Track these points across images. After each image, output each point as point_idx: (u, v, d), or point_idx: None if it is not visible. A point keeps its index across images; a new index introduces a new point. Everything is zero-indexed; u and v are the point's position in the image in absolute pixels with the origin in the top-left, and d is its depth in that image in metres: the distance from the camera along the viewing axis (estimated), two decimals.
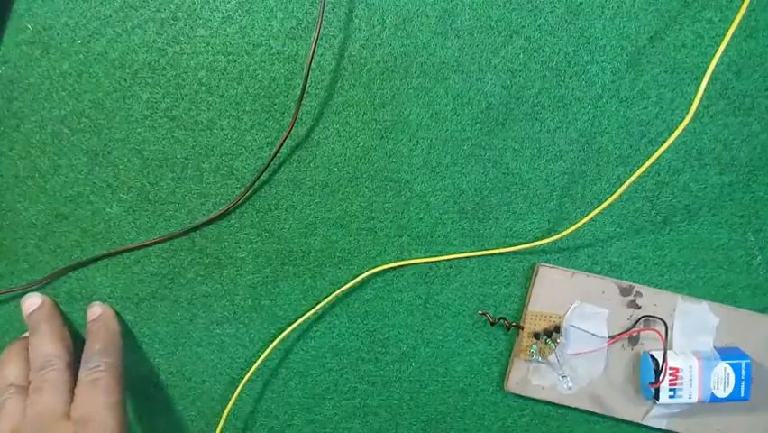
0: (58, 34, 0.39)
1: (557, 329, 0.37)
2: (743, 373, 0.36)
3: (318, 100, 0.39)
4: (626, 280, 0.38)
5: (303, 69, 0.39)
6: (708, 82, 0.37)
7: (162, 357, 0.40)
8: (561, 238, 0.38)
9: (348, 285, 0.38)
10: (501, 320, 0.38)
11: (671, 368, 0.36)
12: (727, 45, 0.37)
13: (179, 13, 0.39)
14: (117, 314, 0.39)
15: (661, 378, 0.35)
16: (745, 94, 0.37)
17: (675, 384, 0.36)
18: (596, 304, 0.38)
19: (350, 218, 0.39)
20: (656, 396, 0.36)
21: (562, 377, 0.38)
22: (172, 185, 0.39)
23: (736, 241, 0.38)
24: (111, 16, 0.39)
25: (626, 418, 0.38)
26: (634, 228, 0.38)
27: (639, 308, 0.38)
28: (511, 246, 0.38)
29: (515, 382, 0.38)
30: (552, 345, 0.37)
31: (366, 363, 0.39)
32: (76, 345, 0.38)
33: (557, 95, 0.38)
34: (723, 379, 0.36)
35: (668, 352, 0.36)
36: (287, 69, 0.39)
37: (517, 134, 0.38)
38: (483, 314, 0.38)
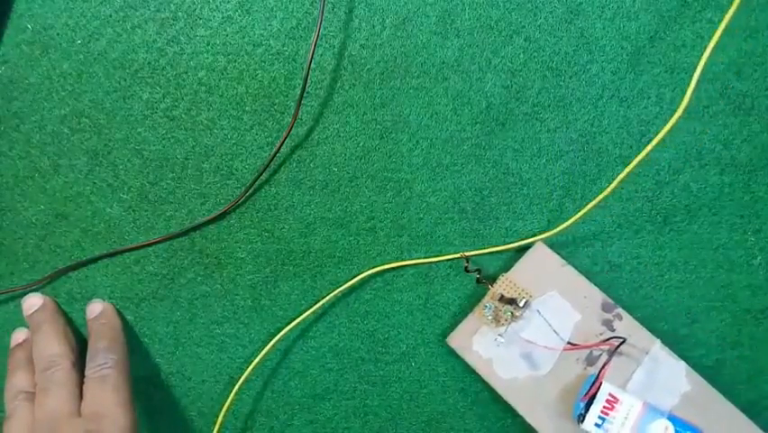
0: (58, 34, 0.39)
1: (522, 305, 0.36)
2: None
3: (318, 100, 0.39)
4: (626, 279, 0.38)
5: (303, 69, 0.39)
6: (709, 82, 0.37)
7: (162, 357, 0.40)
8: (557, 233, 0.38)
9: (348, 284, 0.38)
10: (477, 271, 0.37)
11: (611, 395, 0.33)
12: (727, 45, 0.37)
13: (179, 13, 0.39)
14: (118, 310, 0.40)
15: (593, 387, 0.33)
16: (745, 94, 0.37)
17: (607, 414, 0.33)
18: (572, 304, 0.36)
19: (350, 218, 0.39)
20: (582, 418, 0.33)
21: (495, 339, 0.36)
22: (172, 185, 0.39)
23: (736, 241, 0.37)
24: (111, 16, 0.39)
25: None
26: (634, 228, 0.38)
27: (613, 330, 0.35)
28: (509, 243, 0.38)
29: (457, 338, 0.37)
30: (508, 314, 0.36)
31: (366, 363, 0.39)
32: (77, 344, 0.38)
33: (557, 95, 0.38)
34: None
35: (618, 389, 0.34)
36: (287, 68, 0.39)
37: (517, 134, 0.38)
38: (464, 257, 0.37)
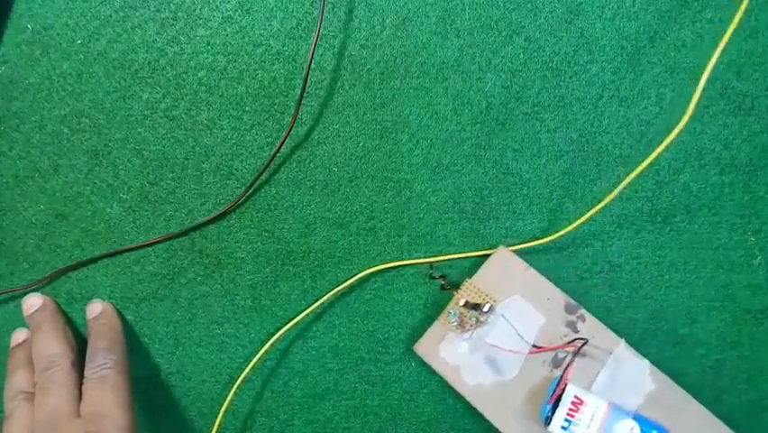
0: (58, 34, 0.39)
1: (487, 310, 0.36)
2: None
3: (318, 100, 0.39)
4: (626, 279, 0.38)
5: (303, 69, 0.39)
6: (709, 82, 0.37)
7: (162, 357, 0.40)
8: (559, 238, 0.38)
9: (346, 284, 0.38)
10: (441, 278, 0.37)
11: (576, 397, 0.33)
12: (728, 45, 0.37)
13: (179, 13, 0.39)
14: (117, 310, 0.40)
15: (558, 389, 0.33)
16: (745, 94, 0.37)
17: (573, 416, 0.33)
18: (536, 307, 0.36)
19: (350, 218, 0.39)
20: (549, 421, 0.33)
21: (460, 345, 0.36)
22: (172, 185, 0.39)
23: (736, 241, 0.37)
24: (111, 16, 0.39)
25: None
26: (634, 228, 0.38)
27: (577, 331, 0.36)
28: (510, 246, 0.38)
29: (425, 345, 0.37)
30: (473, 320, 0.36)
31: (366, 363, 0.39)
32: (77, 344, 0.38)
33: (557, 95, 0.38)
34: None
35: (583, 390, 0.34)
36: (287, 69, 0.39)
37: (517, 134, 0.38)
38: (430, 265, 0.37)
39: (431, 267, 0.37)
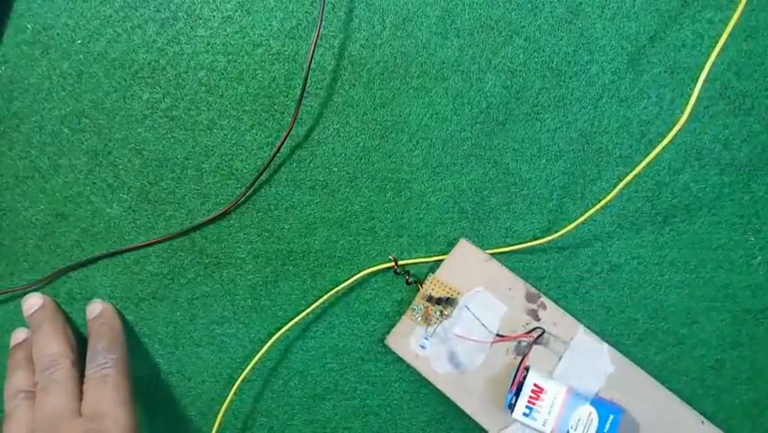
0: (58, 34, 0.39)
1: (451, 303, 0.37)
2: (607, 425, 0.34)
3: (318, 100, 0.39)
4: (626, 279, 0.38)
5: (303, 69, 0.39)
6: (708, 82, 0.37)
7: (162, 357, 0.40)
8: (559, 237, 0.38)
9: (345, 284, 0.38)
10: (405, 273, 0.38)
11: (536, 385, 0.35)
12: (727, 45, 0.37)
13: (179, 13, 0.39)
14: (117, 310, 0.40)
15: (516, 377, 0.34)
16: (745, 94, 0.37)
17: (534, 404, 0.34)
18: (498, 297, 0.37)
19: (350, 218, 0.39)
20: (512, 408, 0.34)
21: (425, 338, 0.37)
22: (172, 185, 0.39)
23: (736, 241, 0.38)
24: (111, 16, 0.39)
25: (482, 424, 0.36)
26: (634, 228, 0.38)
27: (538, 319, 0.36)
28: (510, 246, 0.38)
29: (395, 338, 0.38)
30: (437, 313, 0.37)
31: (366, 363, 0.39)
32: (77, 344, 0.38)
33: (557, 95, 0.38)
34: (584, 422, 0.34)
35: (544, 378, 0.35)
36: (287, 68, 0.39)
37: (517, 134, 0.38)
38: (393, 259, 0.38)
39: (395, 262, 0.38)
